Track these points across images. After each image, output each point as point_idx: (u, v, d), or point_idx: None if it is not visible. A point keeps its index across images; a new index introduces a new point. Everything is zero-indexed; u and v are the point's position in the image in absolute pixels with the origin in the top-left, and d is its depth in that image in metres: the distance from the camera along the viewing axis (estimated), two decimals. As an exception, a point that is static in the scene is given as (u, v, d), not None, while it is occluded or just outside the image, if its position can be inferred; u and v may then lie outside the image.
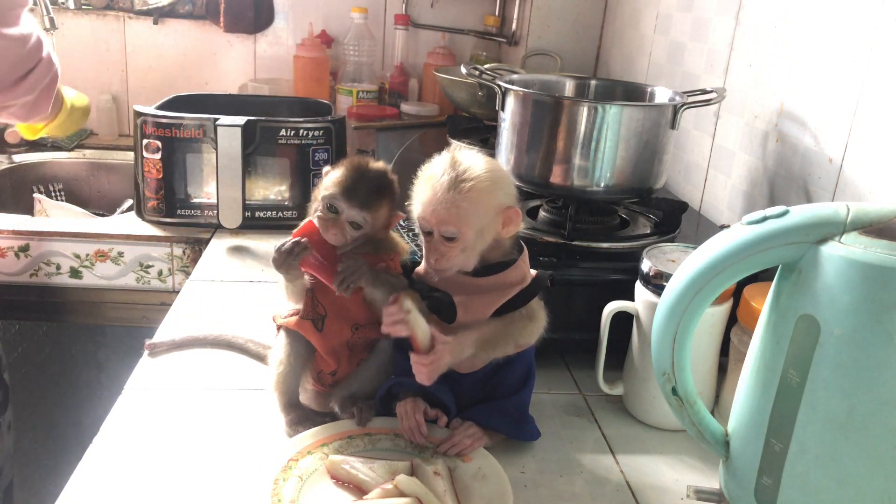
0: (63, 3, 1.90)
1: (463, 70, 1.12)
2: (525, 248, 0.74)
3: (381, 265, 0.75)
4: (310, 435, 0.72)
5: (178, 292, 1.09)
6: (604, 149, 0.95)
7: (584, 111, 0.94)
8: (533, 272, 0.74)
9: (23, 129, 1.32)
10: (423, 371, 0.67)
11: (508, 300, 0.72)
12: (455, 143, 0.72)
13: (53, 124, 1.28)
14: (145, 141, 1.24)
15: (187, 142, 1.24)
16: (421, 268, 0.76)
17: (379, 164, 0.77)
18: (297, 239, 0.72)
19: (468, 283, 0.72)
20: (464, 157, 0.69)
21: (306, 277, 0.76)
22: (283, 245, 0.72)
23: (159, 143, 1.24)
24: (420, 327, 0.67)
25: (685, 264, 0.58)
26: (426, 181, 0.69)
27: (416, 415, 0.73)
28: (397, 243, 0.78)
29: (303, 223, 0.75)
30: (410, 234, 0.92)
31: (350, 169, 0.74)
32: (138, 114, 1.24)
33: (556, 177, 0.98)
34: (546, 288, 0.74)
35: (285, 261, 0.72)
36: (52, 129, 1.30)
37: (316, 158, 1.28)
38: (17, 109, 1.10)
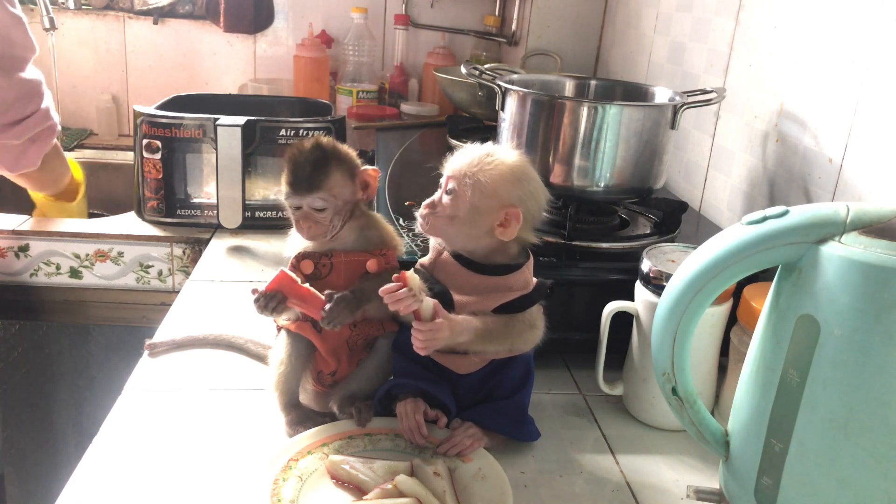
0: (63, 3, 1.90)
1: (463, 70, 1.12)
2: (532, 256, 0.74)
3: (372, 261, 0.75)
4: (310, 435, 0.72)
5: (178, 292, 1.09)
6: (604, 149, 0.95)
7: (584, 111, 0.94)
8: (534, 280, 0.74)
9: (43, 204, 1.35)
10: (421, 338, 0.67)
11: (507, 304, 0.72)
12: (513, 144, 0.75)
13: (72, 205, 1.33)
14: (145, 141, 1.24)
15: (187, 142, 1.24)
16: (425, 259, 0.76)
17: (317, 139, 0.76)
18: (270, 293, 0.72)
19: (469, 279, 0.72)
20: (508, 149, 0.73)
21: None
22: (257, 299, 0.72)
23: (159, 143, 1.24)
24: (424, 301, 0.67)
25: (685, 264, 0.58)
26: (468, 147, 0.73)
27: (415, 415, 0.72)
28: (392, 237, 0.78)
29: (274, 275, 0.73)
30: (411, 234, 0.92)
31: (288, 160, 0.75)
32: (138, 114, 1.24)
33: (556, 177, 0.98)
34: (546, 296, 0.74)
35: (263, 313, 0.73)
36: (68, 210, 1.35)
37: (316, 158, 1.28)
38: (2, 155, 1.11)
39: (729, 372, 0.82)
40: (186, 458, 0.72)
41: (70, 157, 1.36)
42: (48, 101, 1.13)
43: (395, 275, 0.67)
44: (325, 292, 0.72)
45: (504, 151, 0.72)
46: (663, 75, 1.41)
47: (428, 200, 0.72)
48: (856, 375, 0.51)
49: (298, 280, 0.72)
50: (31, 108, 1.09)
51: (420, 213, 0.73)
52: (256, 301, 0.72)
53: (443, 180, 0.73)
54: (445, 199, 0.71)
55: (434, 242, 0.76)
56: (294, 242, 0.79)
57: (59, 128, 1.18)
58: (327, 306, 0.71)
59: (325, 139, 0.76)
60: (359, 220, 0.77)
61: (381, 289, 0.66)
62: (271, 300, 0.72)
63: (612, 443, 0.80)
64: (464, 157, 0.71)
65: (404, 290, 0.66)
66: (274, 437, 0.75)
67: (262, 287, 0.73)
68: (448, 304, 0.72)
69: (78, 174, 1.38)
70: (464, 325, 0.69)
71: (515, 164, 0.71)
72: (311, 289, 0.72)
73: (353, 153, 0.77)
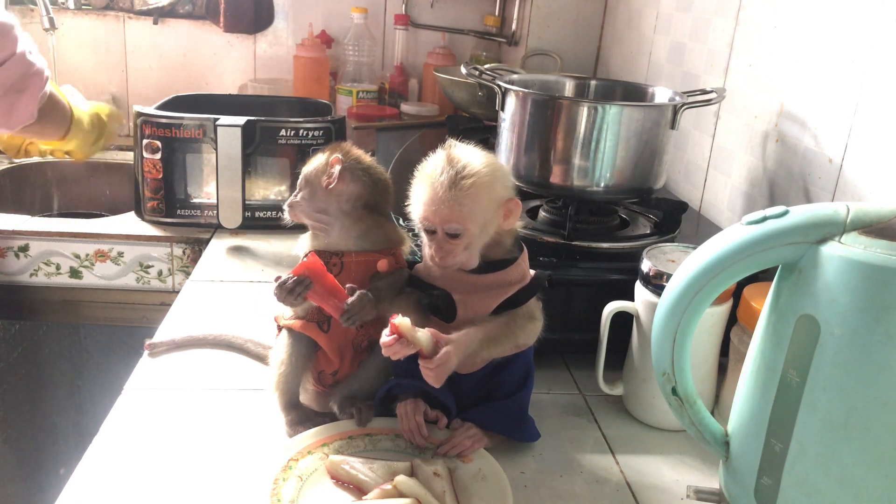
0: (63, 3, 1.90)
1: (463, 70, 1.12)
2: (525, 247, 0.75)
3: (383, 261, 0.76)
4: (310, 435, 0.72)
5: (178, 292, 1.09)
6: (604, 149, 0.95)
7: (584, 111, 0.94)
8: (532, 272, 0.74)
9: (45, 144, 1.29)
10: (432, 375, 0.67)
11: (508, 298, 0.72)
12: (449, 140, 0.71)
13: (71, 144, 1.26)
14: (145, 141, 1.24)
15: (187, 142, 1.24)
16: (421, 265, 0.76)
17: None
18: (298, 277, 0.71)
19: (468, 280, 0.72)
20: (460, 152, 0.69)
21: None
22: (284, 282, 0.71)
23: (159, 143, 1.24)
24: (422, 339, 0.66)
25: (685, 264, 0.58)
26: (425, 180, 0.69)
27: (416, 416, 0.73)
28: (399, 236, 0.79)
29: (304, 258, 0.74)
30: (410, 233, 0.92)
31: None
32: (138, 114, 1.24)
33: (556, 177, 0.98)
34: (544, 287, 0.74)
35: (286, 298, 0.72)
36: (72, 150, 1.28)
37: (316, 158, 1.28)
38: None
39: (729, 372, 0.82)
40: (186, 458, 0.72)
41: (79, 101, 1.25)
42: (26, 45, 1.02)
43: (385, 330, 0.66)
44: (347, 286, 0.72)
45: (462, 156, 0.68)
46: (663, 75, 1.41)
47: (437, 251, 0.69)
48: (856, 375, 0.51)
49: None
50: (7, 51, 0.97)
51: (439, 265, 0.69)
52: (282, 285, 0.71)
53: (426, 223, 0.69)
54: (451, 240, 0.68)
55: None
56: (304, 242, 0.80)
57: (48, 73, 1.06)
58: (350, 300, 0.71)
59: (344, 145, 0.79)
60: (363, 222, 0.77)
61: (381, 341, 0.66)
62: (299, 285, 0.71)
63: (612, 443, 0.80)
64: (436, 192, 0.67)
65: (399, 341, 0.65)
66: (274, 437, 0.75)
67: (283, 277, 0.72)
68: (450, 307, 0.72)
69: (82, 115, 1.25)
70: (466, 340, 0.69)
71: (484, 165, 0.68)
72: (335, 280, 0.72)
73: (354, 151, 0.78)
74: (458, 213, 0.67)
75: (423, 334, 0.67)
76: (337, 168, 0.75)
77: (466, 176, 0.67)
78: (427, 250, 0.71)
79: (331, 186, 0.75)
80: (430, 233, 0.69)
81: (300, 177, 0.78)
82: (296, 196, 0.78)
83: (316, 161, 0.78)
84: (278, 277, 0.73)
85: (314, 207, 0.77)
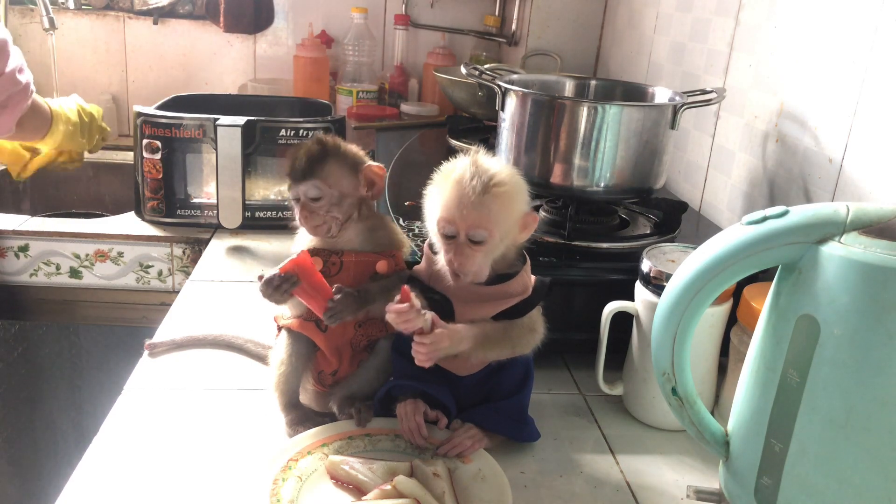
0: (63, 3, 1.90)
1: (463, 70, 1.12)
2: (528, 259, 0.74)
3: (382, 262, 0.76)
4: (310, 435, 0.72)
5: (178, 292, 1.09)
6: (604, 149, 0.95)
7: (584, 111, 0.94)
8: (533, 277, 0.74)
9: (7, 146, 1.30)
10: (422, 351, 0.66)
11: (508, 308, 0.71)
12: (475, 147, 0.71)
13: (52, 140, 1.26)
14: (145, 141, 1.24)
15: (187, 142, 1.24)
16: (420, 267, 0.76)
17: (319, 135, 0.78)
18: (286, 274, 0.71)
19: (469, 289, 0.71)
20: (486, 161, 0.68)
21: None
22: (271, 279, 0.71)
23: (159, 143, 1.24)
24: (425, 316, 0.67)
25: (685, 264, 0.58)
26: (452, 184, 0.67)
27: (416, 416, 0.72)
28: (401, 239, 0.79)
29: (294, 255, 0.74)
30: (410, 234, 0.92)
31: (288, 154, 0.76)
32: (138, 114, 1.24)
33: (556, 177, 0.98)
34: (546, 296, 0.74)
35: (272, 295, 0.71)
36: (51, 145, 1.28)
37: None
38: None
39: (729, 372, 0.82)
40: (186, 458, 0.72)
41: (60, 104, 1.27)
42: (15, 62, 1.03)
43: (398, 296, 0.66)
44: (335, 286, 0.72)
45: (489, 165, 0.68)
46: (663, 75, 1.41)
47: (457, 256, 0.67)
48: (856, 375, 0.51)
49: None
50: None
51: (458, 270, 0.68)
52: (268, 282, 0.71)
53: (448, 228, 0.67)
54: (473, 246, 0.67)
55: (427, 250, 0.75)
56: (301, 239, 0.79)
57: (33, 88, 1.09)
58: (334, 297, 0.71)
59: (329, 135, 0.77)
60: (368, 221, 0.77)
61: (388, 307, 0.66)
62: (286, 282, 0.71)
63: (612, 443, 0.80)
64: (465, 195, 0.66)
65: (413, 309, 0.65)
66: (274, 437, 0.75)
67: (268, 274, 0.72)
68: (448, 311, 0.72)
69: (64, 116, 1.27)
70: (463, 333, 0.69)
71: (510, 176, 0.68)
72: (324, 279, 0.72)
73: (357, 150, 0.77)
74: (486, 219, 0.66)
75: (426, 313, 0.67)
76: (386, 176, 0.75)
77: (498, 184, 0.66)
78: (444, 257, 0.69)
79: (374, 196, 0.75)
80: (450, 238, 0.68)
81: (319, 191, 0.74)
82: (321, 208, 0.74)
83: (335, 167, 0.75)
84: (261, 276, 0.72)
85: (342, 213, 0.75)
